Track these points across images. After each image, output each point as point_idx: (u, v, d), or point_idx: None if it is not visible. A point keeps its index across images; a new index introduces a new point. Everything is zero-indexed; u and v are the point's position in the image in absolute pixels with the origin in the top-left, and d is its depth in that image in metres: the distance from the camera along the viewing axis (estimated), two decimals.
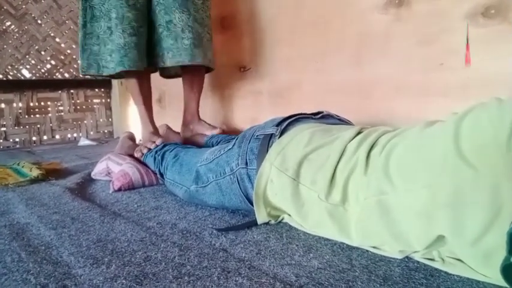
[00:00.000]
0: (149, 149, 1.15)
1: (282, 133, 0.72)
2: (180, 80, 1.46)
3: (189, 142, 1.37)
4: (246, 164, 0.72)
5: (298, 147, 0.66)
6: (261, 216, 0.70)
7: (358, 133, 0.65)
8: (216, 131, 1.38)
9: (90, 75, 1.33)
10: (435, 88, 0.90)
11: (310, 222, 0.64)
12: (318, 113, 0.82)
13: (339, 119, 0.84)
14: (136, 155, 1.19)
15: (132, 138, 1.42)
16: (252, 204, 0.70)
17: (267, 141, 0.72)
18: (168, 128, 1.50)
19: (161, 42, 1.23)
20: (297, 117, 0.78)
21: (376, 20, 1.01)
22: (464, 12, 0.82)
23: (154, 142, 1.16)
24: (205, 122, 1.44)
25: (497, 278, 0.42)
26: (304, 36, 1.24)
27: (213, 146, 1.12)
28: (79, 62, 1.30)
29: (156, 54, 1.25)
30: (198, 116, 1.45)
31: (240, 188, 0.73)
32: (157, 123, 1.42)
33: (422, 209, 0.48)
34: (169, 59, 1.22)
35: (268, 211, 0.70)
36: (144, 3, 1.21)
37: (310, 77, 1.24)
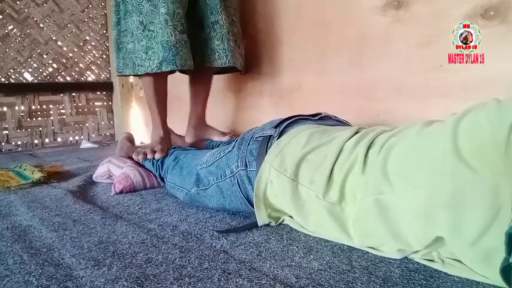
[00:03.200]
0: (145, 156, 1.13)
1: (280, 135, 0.72)
2: (179, 82, 1.45)
3: (191, 145, 1.37)
4: (246, 166, 0.73)
5: (297, 148, 0.66)
6: (262, 218, 0.70)
7: (356, 133, 0.65)
8: (225, 139, 1.32)
9: (125, 75, 1.27)
10: (436, 89, 0.90)
11: (311, 222, 0.65)
12: (317, 114, 0.83)
13: (337, 120, 0.84)
14: (134, 157, 1.18)
15: (130, 139, 1.42)
16: (252, 206, 0.71)
17: (265, 143, 0.72)
18: (171, 131, 1.49)
19: (208, 43, 1.19)
20: (296, 118, 0.79)
21: (375, 22, 1.01)
22: (463, 13, 0.82)
23: (154, 153, 1.11)
24: (214, 128, 1.39)
25: (497, 279, 0.42)
26: (305, 38, 1.24)
27: (213, 148, 1.12)
28: (116, 64, 1.22)
29: (203, 55, 1.20)
30: (205, 120, 1.40)
31: (241, 190, 0.74)
32: None
33: (421, 210, 0.48)
34: (216, 61, 1.18)
35: (269, 212, 0.71)
36: (187, 0, 1.14)
37: (310, 78, 1.24)
